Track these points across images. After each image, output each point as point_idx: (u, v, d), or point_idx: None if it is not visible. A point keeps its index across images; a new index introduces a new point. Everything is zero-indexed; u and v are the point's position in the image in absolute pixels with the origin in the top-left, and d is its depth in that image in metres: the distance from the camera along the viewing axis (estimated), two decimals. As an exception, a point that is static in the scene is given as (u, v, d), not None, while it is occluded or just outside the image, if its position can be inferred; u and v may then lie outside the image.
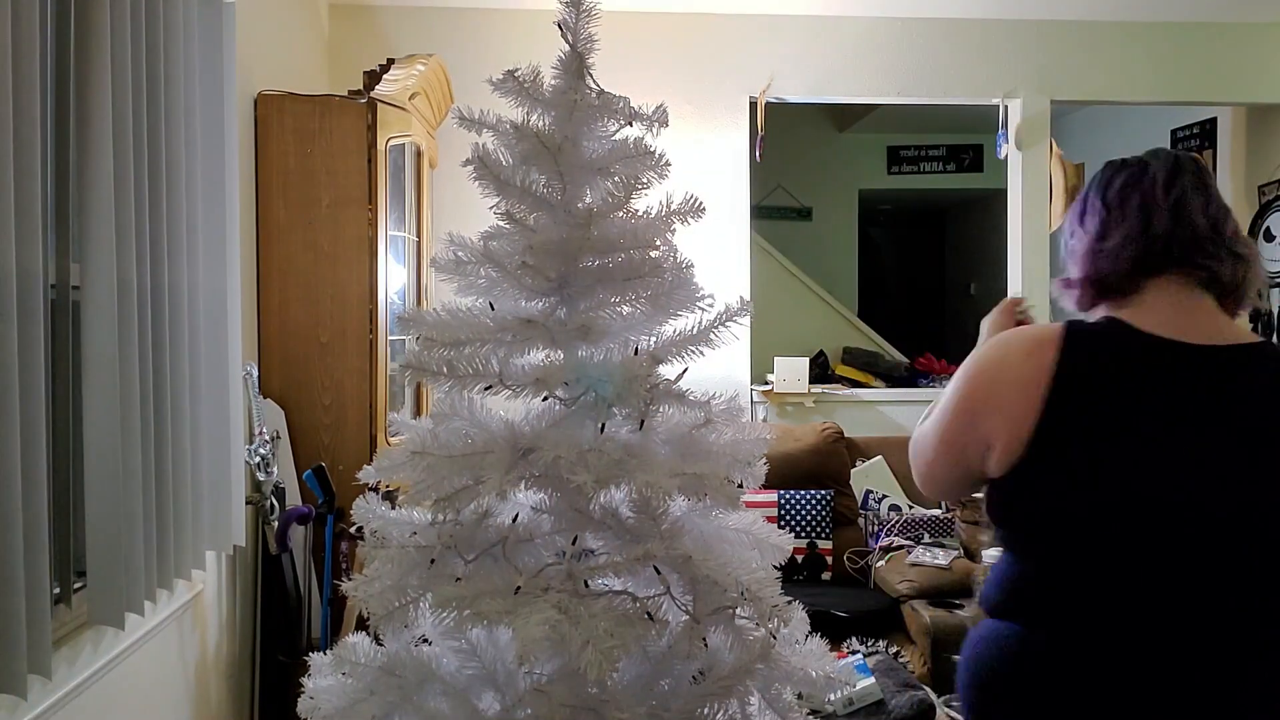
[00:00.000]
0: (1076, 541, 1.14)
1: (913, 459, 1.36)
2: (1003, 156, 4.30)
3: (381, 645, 1.52)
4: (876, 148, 6.86)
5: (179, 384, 2.11)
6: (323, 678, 1.52)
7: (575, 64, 1.44)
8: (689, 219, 1.46)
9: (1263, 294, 1.23)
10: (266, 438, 2.68)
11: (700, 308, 1.46)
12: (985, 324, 1.46)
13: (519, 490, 1.45)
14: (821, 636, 1.54)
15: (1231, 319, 1.24)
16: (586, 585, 1.37)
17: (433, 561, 1.41)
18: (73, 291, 1.84)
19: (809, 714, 1.53)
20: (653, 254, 1.45)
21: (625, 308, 1.46)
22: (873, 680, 2.48)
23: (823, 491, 3.53)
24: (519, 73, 1.44)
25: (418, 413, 3.42)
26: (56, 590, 1.76)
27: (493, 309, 1.46)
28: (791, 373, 4.17)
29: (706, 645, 1.38)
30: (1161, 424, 1.13)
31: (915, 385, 4.95)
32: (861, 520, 3.62)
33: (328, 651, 1.56)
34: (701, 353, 1.45)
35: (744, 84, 4.13)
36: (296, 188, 2.94)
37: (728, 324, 1.46)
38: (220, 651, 2.59)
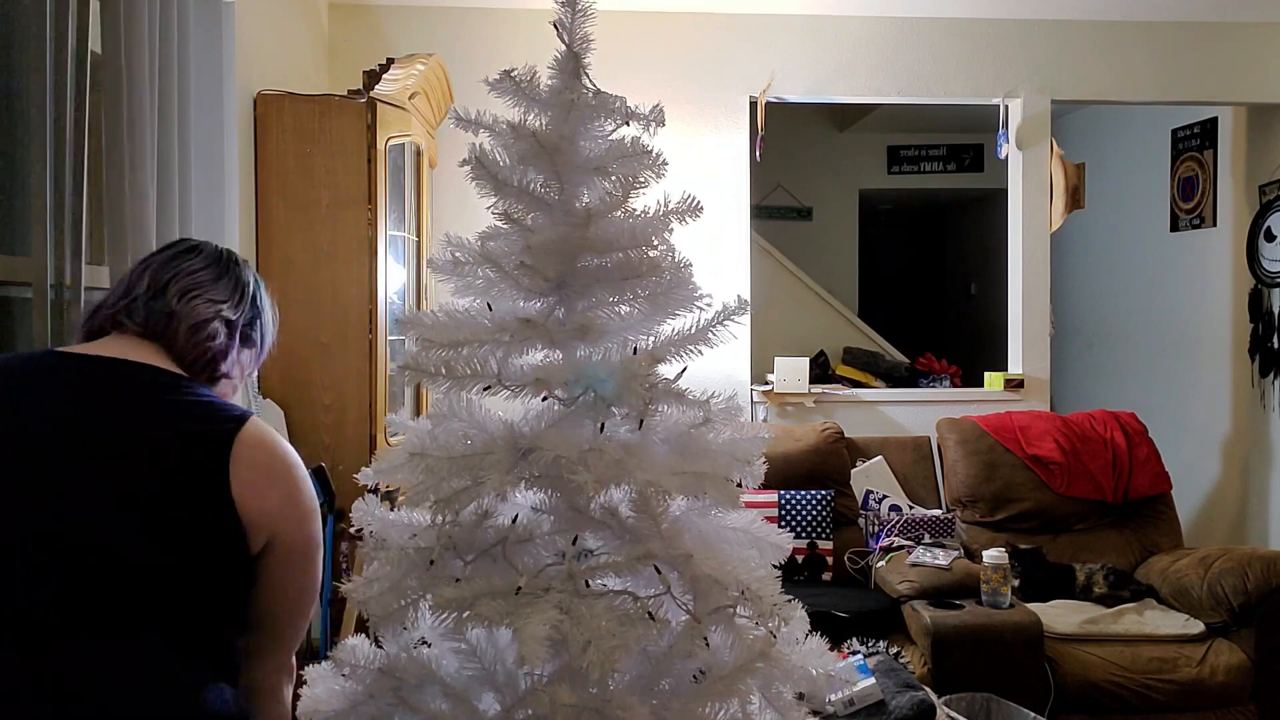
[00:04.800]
0: None
1: None
2: (1003, 156, 4.30)
3: (381, 647, 1.52)
4: (876, 148, 6.86)
5: (178, 384, 2.11)
6: (322, 680, 1.52)
7: (571, 64, 1.43)
8: (687, 218, 1.46)
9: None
10: (266, 438, 2.67)
11: (699, 307, 1.46)
12: None
13: (518, 491, 1.44)
14: (822, 637, 1.53)
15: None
16: (587, 585, 1.37)
17: (432, 562, 1.41)
18: (70, 291, 1.84)
19: (809, 714, 1.52)
20: (651, 253, 1.45)
21: (624, 307, 1.46)
22: (873, 680, 2.48)
23: (823, 492, 3.53)
24: (515, 73, 1.43)
25: (417, 413, 3.42)
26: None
27: (491, 309, 1.46)
28: (792, 373, 4.17)
29: (707, 645, 1.38)
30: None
31: (915, 385, 4.95)
32: (862, 520, 3.62)
33: (327, 653, 1.55)
34: (700, 352, 1.45)
35: (744, 84, 4.13)
36: (296, 187, 2.94)
37: (726, 323, 1.46)
38: (220, 652, 2.58)
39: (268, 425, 1.30)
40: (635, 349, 1.44)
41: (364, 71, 3.19)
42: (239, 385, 1.46)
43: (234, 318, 1.38)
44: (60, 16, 1.80)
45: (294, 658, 1.45)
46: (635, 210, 1.47)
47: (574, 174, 1.45)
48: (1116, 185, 5.53)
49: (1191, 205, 4.94)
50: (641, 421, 1.42)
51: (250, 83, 2.87)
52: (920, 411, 4.23)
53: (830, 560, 3.45)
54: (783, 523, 3.44)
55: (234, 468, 1.20)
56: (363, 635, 1.54)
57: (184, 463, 1.19)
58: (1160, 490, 3.72)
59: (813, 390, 4.20)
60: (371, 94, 2.99)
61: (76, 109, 1.79)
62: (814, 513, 3.48)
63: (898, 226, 8.70)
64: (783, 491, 3.50)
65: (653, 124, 1.46)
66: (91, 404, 1.20)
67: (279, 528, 1.26)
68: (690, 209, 1.45)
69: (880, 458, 3.82)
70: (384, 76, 3.13)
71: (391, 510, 1.52)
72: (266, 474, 1.24)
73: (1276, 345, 4.39)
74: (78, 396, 1.21)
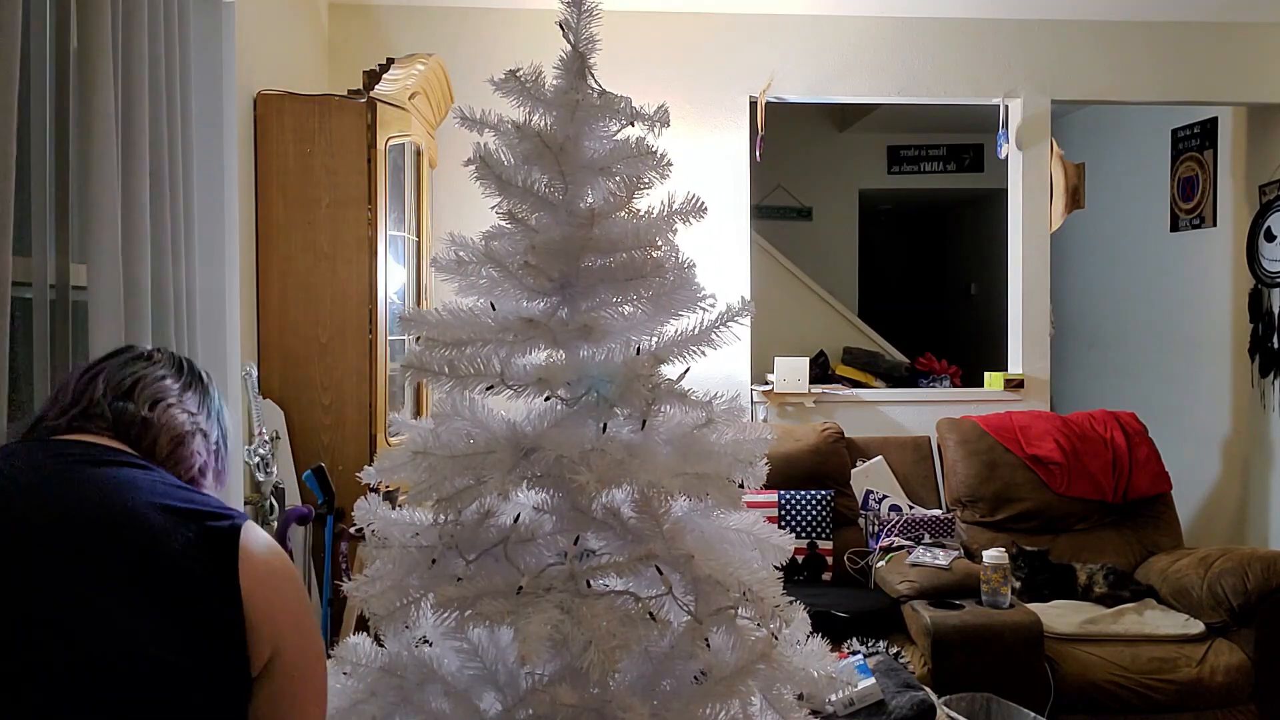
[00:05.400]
0: None
1: None
2: (1003, 156, 4.30)
3: (382, 646, 1.52)
4: (876, 148, 6.86)
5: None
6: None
7: (577, 64, 1.43)
8: (691, 219, 1.46)
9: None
10: (266, 438, 2.68)
11: (702, 308, 1.46)
12: None
13: (521, 490, 1.44)
14: (822, 637, 1.54)
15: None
16: (588, 585, 1.37)
17: (434, 562, 1.41)
18: (73, 292, 1.84)
19: (810, 714, 1.52)
20: (654, 254, 1.45)
21: (627, 307, 1.46)
22: (873, 680, 2.48)
23: (823, 492, 3.53)
24: (521, 73, 1.43)
25: (418, 413, 3.42)
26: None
27: (494, 309, 1.46)
28: (792, 373, 4.17)
29: (708, 645, 1.38)
30: None
31: (915, 385, 4.95)
32: (862, 520, 3.62)
33: (328, 652, 1.55)
34: (703, 353, 1.45)
35: (744, 84, 4.13)
36: (296, 187, 2.94)
37: (729, 324, 1.46)
38: (220, 652, 2.58)
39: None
40: (638, 349, 1.44)
41: (364, 71, 3.19)
42: None
43: (210, 431, 1.26)
44: (60, 16, 1.80)
45: None
46: (639, 211, 1.47)
47: (578, 174, 1.45)
48: (1116, 185, 5.53)
49: (1191, 205, 4.94)
50: (644, 422, 1.42)
51: (250, 83, 2.87)
52: (920, 411, 4.23)
53: (830, 560, 3.45)
54: (783, 523, 3.44)
55: (244, 563, 1.05)
56: (364, 634, 1.54)
57: (193, 552, 1.03)
58: (1160, 490, 3.72)
59: (813, 390, 4.20)
60: (371, 94, 2.98)
61: (77, 108, 1.79)
62: (814, 513, 3.47)
63: (898, 226, 8.70)
64: (783, 491, 3.50)
65: (657, 124, 1.46)
66: (76, 487, 1.04)
67: (285, 642, 1.08)
68: (694, 209, 1.45)
69: (880, 458, 3.82)
70: (384, 76, 3.13)
71: (393, 509, 1.52)
72: (277, 575, 1.10)
73: (1276, 345, 4.39)
74: (59, 479, 1.05)
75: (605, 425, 1.41)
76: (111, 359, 1.25)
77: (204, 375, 1.32)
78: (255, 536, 1.10)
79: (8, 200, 1.54)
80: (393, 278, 3.13)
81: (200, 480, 1.24)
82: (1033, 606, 3.07)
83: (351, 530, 2.49)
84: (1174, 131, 5.06)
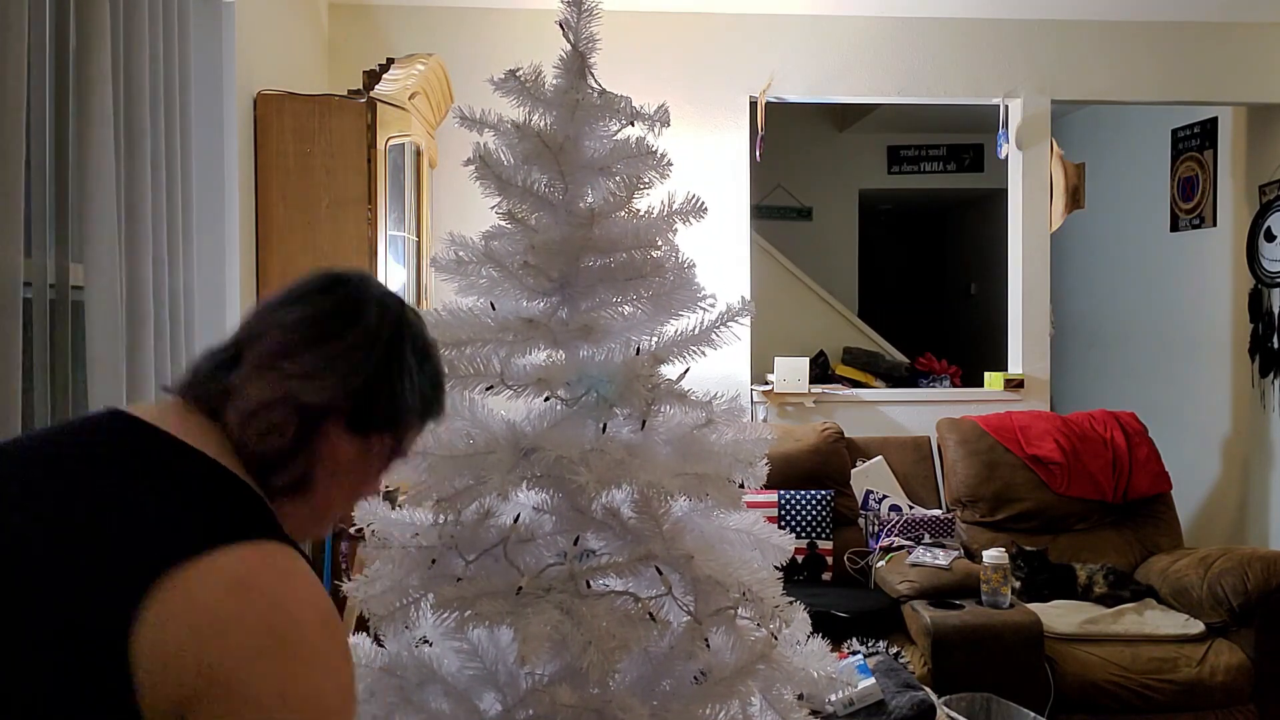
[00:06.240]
0: None
1: None
2: (1003, 156, 4.30)
3: (382, 646, 1.52)
4: (876, 148, 6.86)
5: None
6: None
7: (577, 64, 1.43)
8: (691, 219, 1.46)
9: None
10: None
11: (702, 308, 1.46)
12: None
13: (520, 490, 1.44)
14: (822, 637, 1.54)
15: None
16: (588, 585, 1.37)
17: (434, 562, 1.41)
18: (73, 292, 1.84)
19: (810, 714, 1.52)
20: (654, 254, 1.45)
21: (627, 307, 1.46)
22: (873, 680, 2.48)
23: (823, 492, 3.53)
24: (520, 72, 1.43)
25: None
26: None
27: (494, 309, 1.46)
28: (792, 373, 4.17)
29: (708, 646, 1.38)
30: None
31: (915, 385, 4.95)
32: (862, 520, 3.62)
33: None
34: (703, 353, 1.45)
35: (744, 84, 4.13)
36: (296, 187, 2.94)
37: (729, 324, 1.46)
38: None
39: (297, 567, 0.85)
40: (638, 349, 1.44)
41: (364, 71, 3.19)
42: (333, 513, 1.03)
43: (320, 400, 0.94)
44: (60, 16, 1.80)
45: None
46: (639, 210, 1.47)
47: (578, 174, 1.45)
48: (1116, 185, 5.53)
49: (1191, 205, 4.94)
50: (644, 422, 1.42)
51: (250, 83, 2.87)
52: (920, 411, 4.23)
53: (830, 560, 3.45)
54: (783, 523, 3.44)
55: (153, 605, 0.77)
56: (364, 634, 1.54)
57: (92, 579, 0.79)
58: (1160, 490, 3.72)
59: (813, 390, 4.20)
60: (371, 94, 2.98)
61: (76, 108, 1.79)
62: (814, 513, 3.47)
63: (898, 226, 8.69)
64: (783, 491, 3.50)
65: (657, 124, 1.46)
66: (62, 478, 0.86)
67: None
68: (694, 209, 1.45)
69: (880, 458, 3.82)
70: (384, 76, 3.12)
71: (393, 509, 1.52)
72: (212, 627, 0.78)
73: (1276, 345, 4.39)
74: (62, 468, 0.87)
75: (605, 425, 1.41)
76: (288, 291, 1.03)
77: (376, 315, 1.02)
78: (227, 565, 0.83)
79: (18, 201, 1.54)
80: (393, 278, 3.13)
81: (276, 471, 0.99)
82: (1033, 606, 3.07)
83: (351, 530, 2.49)
84: (1174, 131, 5.06)
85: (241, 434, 0.92)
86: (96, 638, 0.76)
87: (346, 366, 0.96)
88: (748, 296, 2.02)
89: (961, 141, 6.78)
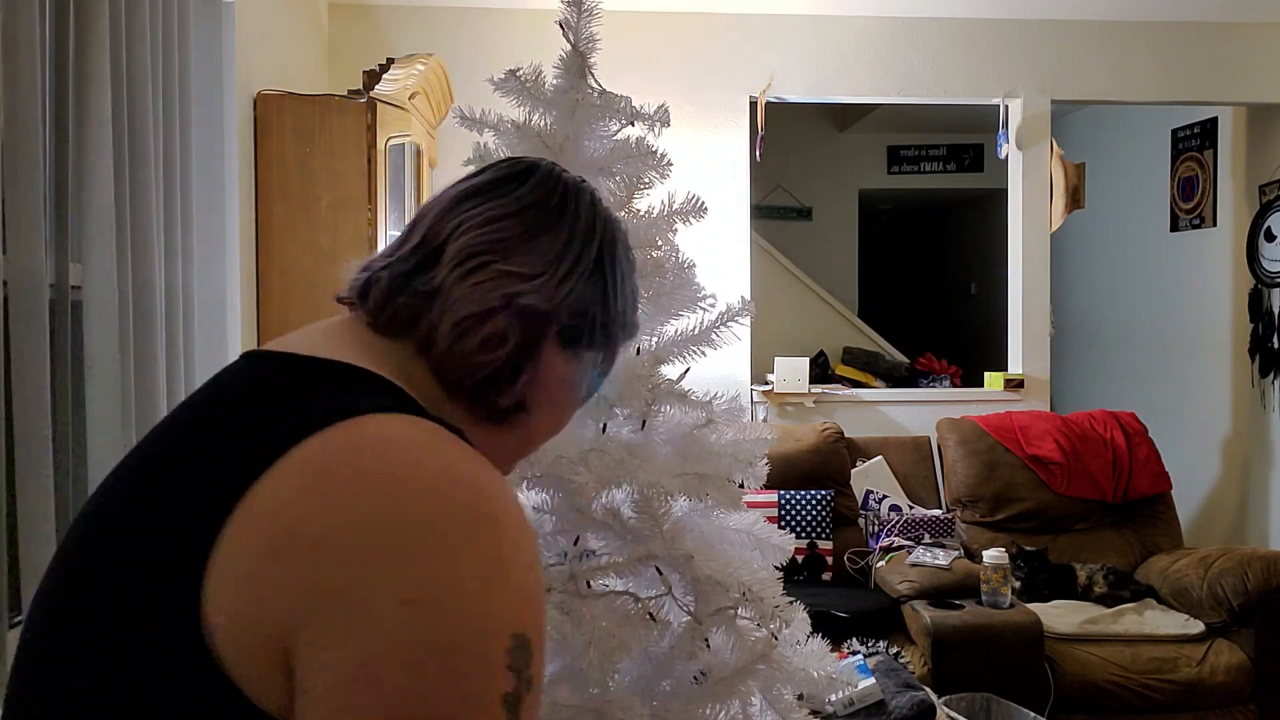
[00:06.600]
0: None
1: None
2: (1003, 156, 4.30)
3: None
4: (876, 147, 6.86)
5: (177, 385, 2.11)
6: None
7: (577, 63, 1.43)
8: (691, 219, 1.46)
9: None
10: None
11: (702, 308, 1.46)
12: None
13: (520, 490, 1.44)
14: (822, 637, 1.53)
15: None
16: (588, 585, 1.37)
17: (434, 562, 1.40)
18: (73, 291, 1.84)
19: (810, 714, 1.52)
20: (654, 254, 1.45)
21: (627, 308, 1.46)
22: (873, 680, 2.48)
23: (823, 492, 3.53)
24: (520, 72, 1.43)
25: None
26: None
27: (494, 309, 1.46)
28: (792, 373, 4.17)
29: (708, 646, 1.38)
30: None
31: (915, 385, 4.95)
32: (862, 520, 3.62)
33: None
34: (703, 353, 1.45)
35: (744, 84, 4.13)
36: (296, 187, 2.94)
37: (729, 324, 1.46)
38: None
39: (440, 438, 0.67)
40: (638, 349, 1.44)
41: (364, 71, 3.19)
42: (536, 445, 0.87)
43: (545, 305, 0.78)
44: (59, 16, 1.80)
45: None
46: (639, 210, 1.47)
47: (578, 174, 1.45)
48: (1116, 185, 5.53)
49: (1191, 205, 4.94)
50: (644, 422, 1.42)
51: (250, 83, 2.87)
52: (920, 411, 4.23)
53: (830, 560, 3.45)
54: (783, 523, 3.44)
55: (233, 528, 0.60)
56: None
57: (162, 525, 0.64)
58: (1160, 490, 3.72)
59: (813, 390, 4.20)
60: (371, 94, 2.98)
61: (76, 108, 1.79)
62: (814, 513, 3.47)
63: (898, 226, 8.70)
64: (783, 491, 3.50)
65: (657, 124, 1.46)
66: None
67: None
68: (694, 209, 1.45)
69: (880, 458, 3.82)
70: (384, 76, 3.12)
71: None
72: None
73: (1276, 345, 4.39)
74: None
75: (605, 425, 1.41)
76: (467, 181, 0.85)
77: (582, 199, 0.87)
78: (336, 441, 0.66)
79: (37, 201, 1.54)
80: (393, 278, 3.12)
81: (495, 391, 0.81)
82: (1033, 606, 3.07)
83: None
84: (1174, 131, 5.06)
85: (453, 345, 0.75)
86: (169, 577, 0.61)
87: (565, 267, 0.80)
88: (748, 296, 2.02)
89: (961, 141, 6.78)
